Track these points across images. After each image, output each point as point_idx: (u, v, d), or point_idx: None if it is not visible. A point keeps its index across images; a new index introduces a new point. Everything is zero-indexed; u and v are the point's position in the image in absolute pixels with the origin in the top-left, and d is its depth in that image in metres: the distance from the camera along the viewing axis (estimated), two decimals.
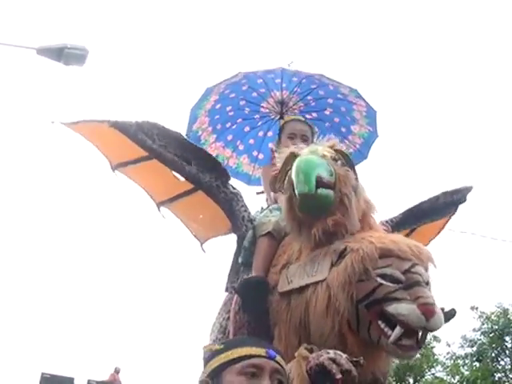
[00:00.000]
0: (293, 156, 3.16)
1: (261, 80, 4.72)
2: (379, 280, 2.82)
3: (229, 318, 3.54)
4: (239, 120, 4.93)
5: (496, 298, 20.75)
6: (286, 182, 3.19)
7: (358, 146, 4.81)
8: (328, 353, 2.53)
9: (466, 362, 20.17)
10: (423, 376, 21.16)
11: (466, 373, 19.82)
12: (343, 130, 4.84)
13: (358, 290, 2.85)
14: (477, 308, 19.46)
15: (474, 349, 19.88)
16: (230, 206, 3.72)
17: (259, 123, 4.98)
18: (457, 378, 20.17)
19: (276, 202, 3.84)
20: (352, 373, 2.45)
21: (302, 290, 3.09)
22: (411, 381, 20.86)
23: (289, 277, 3.21)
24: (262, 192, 4.37)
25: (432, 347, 20.79)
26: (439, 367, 21.09)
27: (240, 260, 3.66)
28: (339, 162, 3.16)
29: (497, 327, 19.25)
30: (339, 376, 2.41)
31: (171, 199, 3.97)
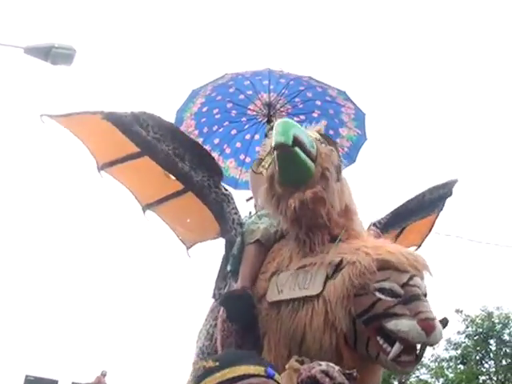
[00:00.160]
0: None
1: (248, 82, 4.60)
2: (378, 294, 2.72)
3: (216, 325, 3.41)
4: (226, 123, 4.81)
5: (480, 301, 20.76)
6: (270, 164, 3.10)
7: (346, 148, 4.69)
8: (320, 365, 2.40)
9: (451, 364, 20.08)
10: (408, 379, 21.06)
11: (451, 375, 19.74)
12: (331, 132, 4.68)
13: (356, 305, 2.75)
14: (461, 311, 19.40)
15: (459, 351, 19.80)
16: (221, 207, 3.57)
17: (246, 126, 4.85)
18: (441, 380, 20.10)
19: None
20: None
21: (293, 301, 2.96)
22: (396, 383, 20.80)
23: (279, 286, 3.08)
24: (251, 198, 4.24)
25: None
26: (424, 370, 20.92)
27: (228, 268, 3.51)
28: (323, 145, 3.08)
29: (481, 330, 19.21)
30: None
31: (159, 201, 3.79)
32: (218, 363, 1.80)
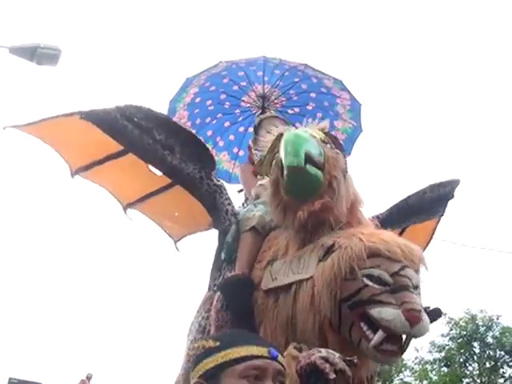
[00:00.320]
0: (281, 137, 2.92)
1: (242, 73, 4.49)
2: (365, 281, 2.62)
3: (208, 317, 3.28)
4: (219, 115, 4.69)
5: (464, 304, 20.81)
6: (273, 164, 2.97)
7: (341, 141, 4.58)
8: (320, 351, 2.29)
9: (435, 367, 20.15)
10: (391, 381, 21.01)
11: (435, 378, 19.82)
12: None
13: (342, 289, 2.65)
14: (445, 314, 19.39)
15: (443, 354, 19.87)
16: (213, 199, 3.44)
17: (240, 118, 4.74)
18: (425, 382, 20.12)
19: (258, 198, 3.60)
20: (346, 373, 2.21)
21: (288, 287, 2.87)
22: None
23: (273, 274, 2.98)
24: (242, 190, 4.13)
25: None
26: (407, 372, 20.95)
27: (223, 256, 3.38)
28: (328, 145, 2.95)
29: (465, 333, 19.27)
30: (333, 376, 2.17)
31: (142, 198, 3.64)
32: (218, 343, 1.70)
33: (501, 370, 18.83)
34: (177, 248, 3.80)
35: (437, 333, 19.58)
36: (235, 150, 4.80)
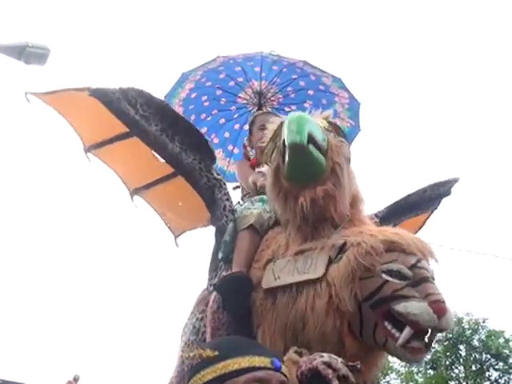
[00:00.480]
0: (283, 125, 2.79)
1: (239, 68, 4.36)
2: (385, 276, 2.50)
3: (202, 318, 3.14)
4: (214, 111, 4.56)
5: (451, 307, 20.74)
6: (274, 153, 2.85)
7: None
8: (322, 356, 2.17)
9: (421, 369, 20.10)
10: (378, 383, 21.03)
11: (421, 380, 19.82)
12: None
13: (361, 288, 2.52)
14: None
15: (429, 357, 19.78)
16: (212, 193, 3.31)
17: (235, 115, 4.61)
18: None
19: (255, 185, 3.48)
20: (349, 379, 2.10)
21: (291, 287, 2.72)
22: None
23: (276, 272, 2.83)
24: (238, 187, 4.00)
25: None
26: (393, 375, 20.93)
27: (220, 255, 3.24)
28: (332, 134, 2.85)
29: (451, 336, 19.26)
30: (336, 382, 2.06)
31: (147, 185, 3.52)
32: (217, 353, 1.57)
33: (487, 373, 18.86)
34: (176, 244, 3.67)
35: None
36: (230, 147, 4.67)
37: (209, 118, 4.56)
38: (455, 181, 3.96)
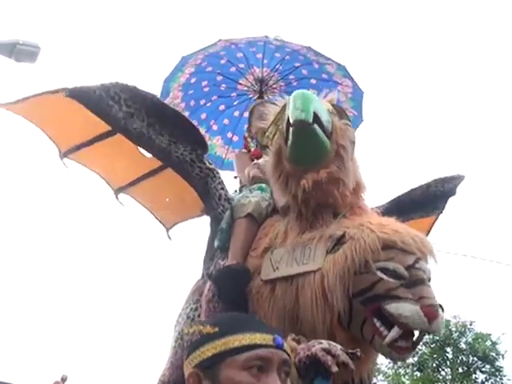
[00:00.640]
0: (286, 108, 2.70)
1: (241, 54, 4.25)
2: (380, 274, 2.46)
3: (197, 308, 3.10)
4: (214, 97, 4.45)
5: (443, 311, 20.71)
6: (276, 136, 2.77)
7: None
8: (321, 343, 2.11)
9: (408, 371, 20.01)
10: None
11: (407, 382, 19.72)
12: None
13: (355, 284, 2.48)
14: None
15: (416, 359, 19.67)
16: (205, 183, 3.20)
17: (236, 102, 4.51)
18: None
19: (252, 177, 3.36)
20: (349, 366, 2.04)
21: (290, 278, 2.66)
22: None
23: (274, 263, 2.77)
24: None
25: None
26: (381, 376, 20.78)
27: (216, 244, 3.13)
28: (336, 118, 2.76)
29: (438, 338, 19.14)
30: (335, 369, 1.99)
31: (133, 182, 3.40)
32: (217, 329, 1.47)
33: (473, 376, 18.79)
34: (169, 236, 3.57)
35: None
36: (229, 134, 4.56)
37: (208, 104, 4.44)
38: (461, 179, 3.83)
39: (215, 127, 4.50)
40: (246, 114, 4.45)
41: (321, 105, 2.65)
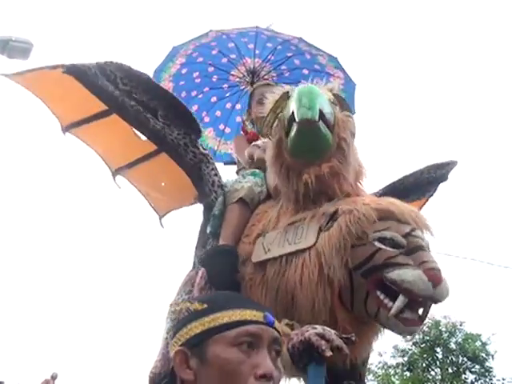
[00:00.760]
0: (286, 96, 2.68)
1: (232, 44, 4.19)
2: (378, 244, 2.38)
3: (189, 298, 2.99)
4: (206, 89, 4.37)
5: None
6: (275, 125, 2.70)
7: None
8: (314, 328, 2.09)
9: (398, 371, 19.99)
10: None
11: (397, 382, 19.69)
12: None
13: (352, 256, 2.40)
14: None
15: (406, 359, 19.74)
16: (199, 169, 3.14)
17: (227, 94, 4.43)
18: None
19: (252, 158, 3.33)
20: (343, 350, 2.01)
21: (281, 259, 2.60)
22: None
23: (266, 245, 2.71)
24: (233, 163, 3.84)
25: None
26: (371, 376, 20.75)
27: (208, 229, 3.07)
28: (337, 108, 2.70)
29: (428, 338, 19.19)
30: (329, 353, 1.96)
31: (130, 164, 3.35)
32: (205, 305, 1.42)
33: (463, 376, 18.78)
34: (161, 224, 3.50)
35: (400, 338, 19.59)
36: (221, 126, 4.48)
37: (200, 96, 4.37)
38: (453, 164, 3.78)
39: (207, 119, 4.43)
40: (238, 106, 4.42)
41: (324, 98, 2.60)
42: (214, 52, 4.22)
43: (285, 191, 2.79)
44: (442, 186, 3.86)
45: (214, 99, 4.41)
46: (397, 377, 19.99)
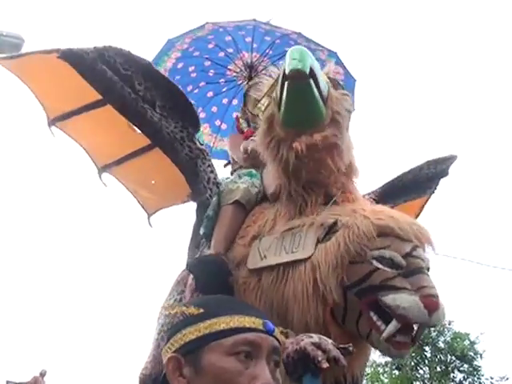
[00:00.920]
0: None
1: (229, 38, 4.05)
2: (375, 264, 2.28)
3: (181, 299, 2.90)
4: (202, 84, 4.24)
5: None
6: (267, 104, 2.62)
7: None
8: (310, 337, 1.99)
9: (386, 370, 19.93)
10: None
11: (386, 380, 19.67)
12: None
13: (349, 274, 2.31)
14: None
15: None
16: (194, 165, 3.03)
17: (224, 89, 4.30)
18: None
19: (246, 152, 3.21)
20: (340, 361, 1.90)
21: (278, 269, 2.49)
22: None
23: (262, 251, 2.60)
24: (229, 163, 3.71)
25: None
26: None
27: (201, 230, 2.95)
28: (332, 89, 2.59)
29: None
30: (326, 365, 1.83)
31: (119, 160, 3.22)
32: (202, 310, 1.30)
33: (451, 375, 18.79)
34: (150, 223, 3.39)
35: None
36: (217, 122, 4.36)
37: (196, 91, 4.24)
38: (453, 159, 3.68)
39: (203, 115, 4.28)
40: (235, 102, 4.29)
41: (318, 65, 2.48)
42: (210, 46, 4.08)
43: (273, 164, 2.65)
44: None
45: (210, 94, 4.28)
46: (385, 375, 19.98)
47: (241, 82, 4.22)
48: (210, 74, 4.21)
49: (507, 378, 17.99)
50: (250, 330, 1.27)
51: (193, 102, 4.14)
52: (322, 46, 4.09)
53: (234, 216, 2.83)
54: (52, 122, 3.08)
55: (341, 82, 4.07)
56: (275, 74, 2.69)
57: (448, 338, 18.95)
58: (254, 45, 4.08)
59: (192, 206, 3.21)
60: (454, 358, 18.62)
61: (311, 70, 2.32)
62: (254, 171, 2.99)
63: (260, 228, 2.70)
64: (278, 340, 1.32)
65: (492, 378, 18.27)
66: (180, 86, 4.08)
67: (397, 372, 19.62)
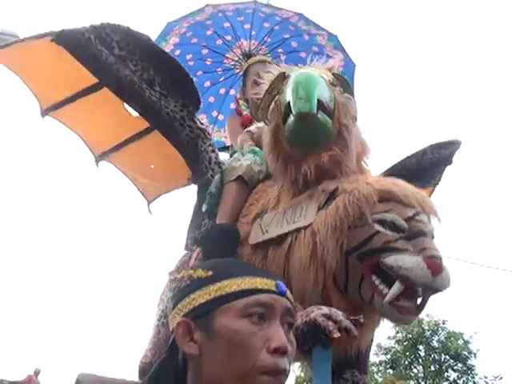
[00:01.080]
0: (283, 77, 2.45)
1: (228, 24, 3.95)
2: (377, 227, 2.22)
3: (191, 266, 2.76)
4: (199, 73, 4.12)
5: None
6: (271, 109, 2.48)
7: None
8: (320, 309, 1.98)
9: (380, 368, 20.02)
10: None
11: (380, 379, 19.63)
12: None
13: (349, 238, 2.24)
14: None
15: (388, 356, 19.72)
16: (195, 145, 2.90)
17: (221, 78, 4.19)
18: None
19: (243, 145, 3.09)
20: (352, 332, 1.90)
21: (281, 239, 2.42)
22: None
23: (263, 226, 2.54)
24: (225, 147, 3.63)
25: None
26: None
27: (204, 207, 2.84)
28: (337, 89, 2.46)
29: (411, 336, 19.18)
30: (337, 334, 1.83)
31: (117, 146, 3.09)
32: (211, 272, 1.23)
33: (445, 374, 18.80)
34: (150, 210, 3.26)
35: (383, 335, 19.53)
36: (214, 113, 4.23)
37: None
38: (458, 144, 3.52)
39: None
40: (233, 92, 4.18)
41: (323, 85, 2.36)
42: (208, 32, 3.98)
43: (282, 181, 2.59)
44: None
45: (207, 84, 4.17)
46: (380, 374, 19.97)
47: (238, 70, 4.10)
48: (208, 63, 4.09)
49: (501, 377, 17.99)
50: (262, 291, 1.20)
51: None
52: (323, 28, 3.99)
53: (238, 192, 2.75)
54: (45, 111, 2.95)
55: (341, 69, 4.00)
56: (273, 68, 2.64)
57: (442, 338, 18.97)
58: (252, 32, 3.98)
59: (190, 192, 3.09)
60: (448, 357, 18.63)
61: (319, 100, 2.24)
62: (257, 148, 2.90)
63: (263, 206, 2.63)
64: (291, 302, 1.25)
65: (486, 377, 18.30)
66: None
67: (391, 371, 19.64)
